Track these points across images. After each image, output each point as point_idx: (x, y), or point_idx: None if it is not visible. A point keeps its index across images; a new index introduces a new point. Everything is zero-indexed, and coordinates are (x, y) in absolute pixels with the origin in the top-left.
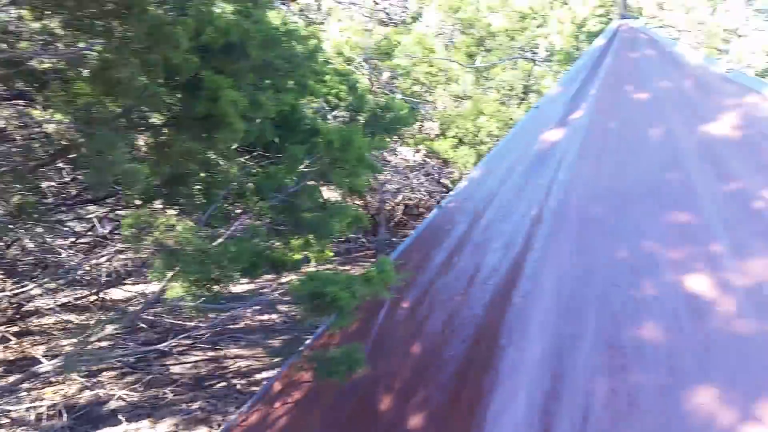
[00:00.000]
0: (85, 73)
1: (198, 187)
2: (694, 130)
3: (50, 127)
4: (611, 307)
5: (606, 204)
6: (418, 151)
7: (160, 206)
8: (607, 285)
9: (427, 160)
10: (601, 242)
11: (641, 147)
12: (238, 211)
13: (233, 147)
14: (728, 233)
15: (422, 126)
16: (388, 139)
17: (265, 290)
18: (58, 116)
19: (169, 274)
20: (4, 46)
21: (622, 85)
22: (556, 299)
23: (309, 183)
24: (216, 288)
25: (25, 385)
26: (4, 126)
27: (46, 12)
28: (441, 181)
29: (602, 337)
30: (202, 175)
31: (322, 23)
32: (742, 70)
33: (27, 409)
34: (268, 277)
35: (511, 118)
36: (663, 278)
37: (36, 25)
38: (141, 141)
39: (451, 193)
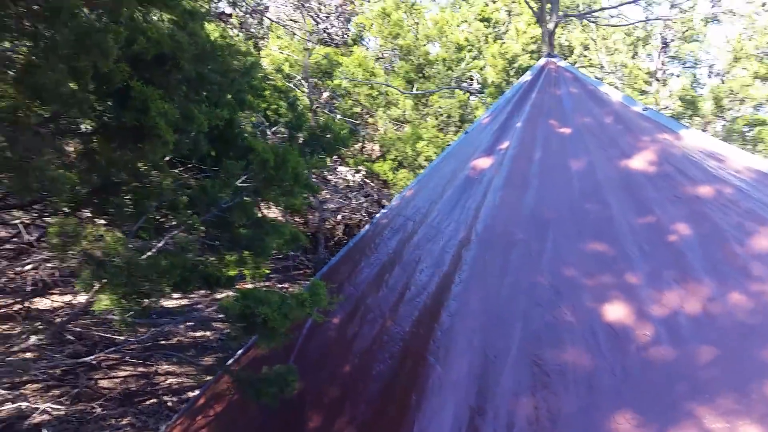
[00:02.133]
0: (11, 74)
1: (128, 197)
2: (613, 164)
3: None
4: (534, 326)
5: (529, 229)
6: (358, 171)
7: (89, 215)
8: (530, 305)
9: (367, 180)
10: (524, 265)
11: (563, 177)
12: (171, 224)
13: (165, 158)
14: (644, 263)
15: (363, 147)
16: (327, 159)
17: (200, 306)
18: None
19: (97, 285)
20: None
21: (546, 118)
22: (483, 318)
23: (244, 199)
24: (145, 302)
25: None
26: None
27: None
28: (381, 202)
29: (526, 355)
30: (133, 185)
31: (263, 38)
32: (657, 111)
33: None
34: (203, 292)
35: (449, 144)
36: (582, 303)
37: None
38: (71, 147)
39: (383, 210)
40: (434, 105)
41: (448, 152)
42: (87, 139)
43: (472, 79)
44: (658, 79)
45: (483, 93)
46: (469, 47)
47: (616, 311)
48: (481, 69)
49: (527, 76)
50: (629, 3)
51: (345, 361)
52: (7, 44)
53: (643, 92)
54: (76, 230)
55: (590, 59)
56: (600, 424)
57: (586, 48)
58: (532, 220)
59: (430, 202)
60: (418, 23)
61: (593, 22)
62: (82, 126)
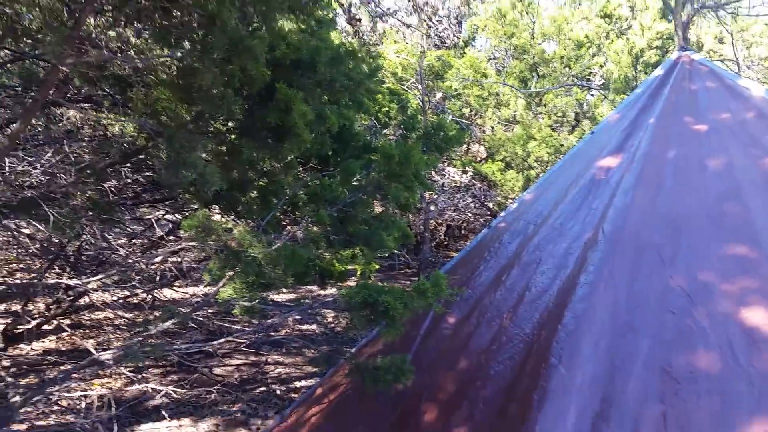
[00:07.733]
0: (165, 79)
1: (255, 194)
2: (755, 162)
3: (116, 129)
4: (665, 333)
5: (662, 231)
6: (465, 172)
7: (217, 212)
8: (661, 311)
9: (474, 182)
10: (656, 269)
11: (699, 177)
12: (287, 220)
13: (294, 157)
14: None
15: (469, 148)
16: (438, 158)
17: (306, 301)
18: (129, 119)
19: (228, 275)
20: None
21: (680, 115)
22: (610, 322)
23: (365, 195)
24: (266, 293)
25: (75, 375)
26: (75, 127)
27: (130, 22)
28: (486, 204)
29: (655, 361)
30: (260, 182)
31: (375, 44)
32: None
33: (78, 398)
34: (308, 288)
35: (562, 144)
36: (718, 308)
37: (112, 33)
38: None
39: (501, 213)
40: (549, 104)
41: (573, 153)
42: (223, 139)
43: (591, 77)
44: None
45: (606, 89)
46: (588, 44)
47: (755, 317)
48: (601, 66)
49: (659, 71)
50: None
51: (461, 360)
52: (165, 50)
53: None
54: (208, 224)
55: (721, 54)
56: None
57: (720, 41)
58: (665, 222)
59: (553, 204)
60: (534, 22)
61: (732, 13)
62: (219, 126)
